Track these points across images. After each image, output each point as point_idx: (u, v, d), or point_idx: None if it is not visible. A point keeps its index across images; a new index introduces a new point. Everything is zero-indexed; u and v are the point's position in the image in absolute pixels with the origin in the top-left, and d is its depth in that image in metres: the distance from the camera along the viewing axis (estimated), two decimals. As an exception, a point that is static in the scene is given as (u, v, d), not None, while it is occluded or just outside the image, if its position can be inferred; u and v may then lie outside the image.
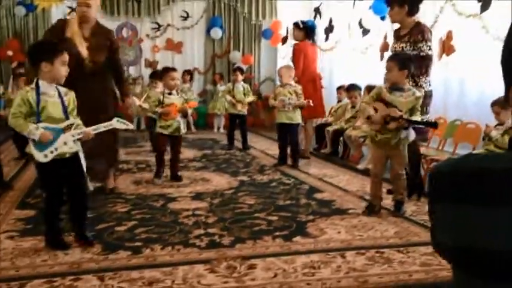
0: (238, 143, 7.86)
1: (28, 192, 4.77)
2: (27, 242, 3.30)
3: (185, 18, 11.16)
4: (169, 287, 2.63)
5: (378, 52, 6.82)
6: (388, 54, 6.26)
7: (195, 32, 11.31)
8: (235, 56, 11.20)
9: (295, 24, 6.84)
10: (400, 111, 3.77)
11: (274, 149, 7.59)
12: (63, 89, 3.17)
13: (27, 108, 3.02)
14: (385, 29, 6.79)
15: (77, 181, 3.22)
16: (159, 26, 11.05)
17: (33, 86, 3.07)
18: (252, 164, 6.42)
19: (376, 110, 3.85)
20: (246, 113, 7.74)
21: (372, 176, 4.09)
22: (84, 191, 3.30)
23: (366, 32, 7.13)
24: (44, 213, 3.22)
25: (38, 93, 3.03)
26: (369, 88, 6.05)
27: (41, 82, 3.07)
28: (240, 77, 7.77)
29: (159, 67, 10.53)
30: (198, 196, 4.64)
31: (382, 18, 6.77)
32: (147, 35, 11.03)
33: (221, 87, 9.87)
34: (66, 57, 3.10)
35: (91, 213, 3.94)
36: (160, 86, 7.43)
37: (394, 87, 3.90)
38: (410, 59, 4.00)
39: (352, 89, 6.76)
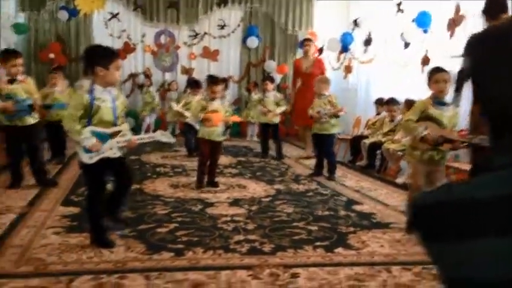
0: (272, 152, 7.85)
1: (71, 190, 4.88)
2: (73, 239, 3.35)
3: (222, 27, 11.27)
4: (214, 290, 2.62)
5: (418, 65, 6.79)
6: (428, 68, 6.25)
7: (231, 41, 11.40)
8: (270, 65, 11.23)
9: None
10: (444, 127, 3.68)
11: (308, 159, 7.58)
12: (115, 93, 3.24)
13: (82, 112, 3.09)
14: (427, 42, 6.73)
15: (127, 178, 3.30)
16: (197, 34, 11.19)
17: (87, 89, 3.14)
18: (287, 173, 6.40)
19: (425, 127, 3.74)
20: (277, 122, 7.69)
21: (413, 191, 3.96)
22: (130, 186, 3.40)
23: (407, 45, 7.05)
24: (88, 211, 3.28)
25: (92, 97, 3.10)
26: (409, 102, 5.98)
27: (95, 86, 3.14)
28: (271, 87, 7.71)
29: (195, 74, 10.69)
30: (235, 202, 4.65)
31: (425, 31, 6.70)
32: (185, 43, 11.17)
33: (255, 96, 9.91)
34: (120, 62, 3.17)
35: (132, 213, 4.02)
36: (200, 94, 7.51)
37: (439, 101, 3.79)
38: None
39: (391, 102, 6.68)
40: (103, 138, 3.13)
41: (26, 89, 4.81)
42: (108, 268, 2.86)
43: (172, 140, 3.52)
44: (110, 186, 3.33)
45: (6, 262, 2.89)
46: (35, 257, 2.99)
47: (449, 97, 3.81)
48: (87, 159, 3.13)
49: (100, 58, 3.12)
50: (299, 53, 11.30)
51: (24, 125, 4.80)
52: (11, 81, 4.73)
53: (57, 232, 3.50)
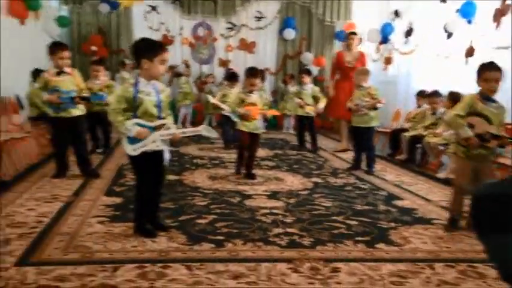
0: (308, 144, 7.82)
1: (113, 181, 5.00)
2: (117, 228, 3.44)
3: (259, 19, 11.25)
4: (254, 282, 2.64)
5: (462, 57, 6.59)
6: (472, 59, 6.06)
7: (268, 33, 11.37)
8: (307, 57, 11.14)
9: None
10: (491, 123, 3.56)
11: (344, 153, 7.51)
12: (160, 86, 3.28)
13: (126, 105, 3.15)
14: (471, 33, 6.52)
15: (159, 173, 3.34)
16: (234, 25, 11.21)
17: (132, 81, 3.19)
18: (325, 167, 6.36)
19: (471, 125, 3.63)
20: (313, 114, 7.65)
21: (456, 189, 3.83)
22: (163, 182, 3.46)
23: (450, 35, 6.84)
24: (135, 201, 3.34)
25: (136, 90, 3.15)
26: (453, 95, 5.82)
27: (140, 79, 3.19)
28: (307, 79, 7.67)
29: (231, 66, 10.71)
30: (273, 195, 4.65)
31: (469, 21, 6.49)
32: (222, 35, 11.21)
33: (292, 88, 9.85)
34: (166, 56, 3.18)
35: (172, 205, 4.08)
36: (237, 87, 7.54)
37: (488, 97, 3.66)
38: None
39: (434, 95, 6.51)
40: (147, 131, 3.18)
41: (72, 81, 4.94)
42: (152, 257, 2.92)
43: (215, 135, 3.52)
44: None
45: (53, 250, 2.99)
46: (81, 245, 3.09)
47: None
48: (131, 151, 3.19)
49: (145, 51, 3.15)
50: (336, 45, 11.19)
51: (70, 116, 4.93)
52: (59, 73, 4.87)
53: (102, 221, 3.59)
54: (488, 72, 3.57)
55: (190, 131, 3.41)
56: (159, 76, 3.23)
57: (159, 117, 3.24)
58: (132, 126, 3.12)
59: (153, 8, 10.86)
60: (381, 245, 3.32)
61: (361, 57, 7.79)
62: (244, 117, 5.22)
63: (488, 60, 3.72)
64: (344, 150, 7.53)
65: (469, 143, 3.59)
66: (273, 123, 10.34)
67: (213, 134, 3.45)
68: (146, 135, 3.15)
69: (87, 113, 5.28)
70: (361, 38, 8.48)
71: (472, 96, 3.68)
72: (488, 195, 0.91)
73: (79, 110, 5.01)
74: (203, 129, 3.39)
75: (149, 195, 3.30)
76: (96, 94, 5.39)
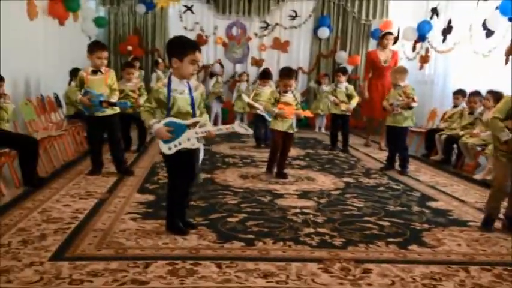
0: (340, 144, 7.75)
1: (146, 178, 5.08)
2: (149, 225, 3.49)
3: (293, 18, 11.20)
4: (284, 281, 2.63)
5: (502, 56, 6.37)
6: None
7: (302, 31, 11.31)
8: (341, 56, 11.03)
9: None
10: None
11: (377, 152, 7.41)
12: (193, 83, 3.29)
13: (157, 104, 3.19)
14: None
15: (191, 171, 3.36)
16: (268, 25, 11.21)
17: (165, 81, 3.22)
18: (357, 167, 6.28)
19: (509, 128, 3.52)
20: (348, 114, 7.59)
21: (495, 190, 3.72)
22: (193, 181, 3.49)
23: (490, 33, 6.63)
24: (167, 198, 3.38)
25: (169, 89, 3.17)
26: (492, 94, 5.65)
27: (172, 78, 3.21)
28: (343, 78, 7.62)
29: (265, 65, 10.71)
30: (304, 194, 4.62)
31: (510, 19, 6.26)
32: (255, 34, 11.23)
33: (326, 88, 9.78)
34: (197, 56, 3.17)
35: (203, 203, 4.12)
36: (269, 86, 7.54)
37: None
38: None
39: (474, 95, 6.33)
40: (181, 128, 3.18)
41: (105, 82, 5.02)
42: (183, 254, 2.95)
43: (250, 131, 3.48)
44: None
45: (87, 245, 3.07)
46: (114, 241, 3.15)
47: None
48: (166, 149, 3.21)
49: (176, 50, 3.15)
50: (371, 43, 11.03)
51: (104, 115, 5.03)
52: (95, 72, 4.98)
53: (134, 218, 3.66)
54: None
55: (225, 127, 3.37)
56: (189, 76, 3.21)
57: (194, 115, 3.24)
58: (154, 123, 3.14)
59: (189, 8, 10.98)
60: (413, 247, 3.26)
61: (394, 55, 7.80)
62: (278, 116, 5.21)
63: None
64: (380, 149, 7.56)
65: (508, 146, 3.48)
66: (304, 123, 10.28)
67: (247, 130, 3.41)
68: (164, 135, 3.15)
69: (121, 114, 5.38)
70: (396, 37, 8.36)
71: (509, 99, 3.57)
72: None
73: (112, 110, 5.10)
74: (237, 126, 3.36)
75: (181, 193, 3.34)
76: (120, 102, 5.52)
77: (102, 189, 4.53)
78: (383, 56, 7.77)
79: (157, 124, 3.14)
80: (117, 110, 5.16)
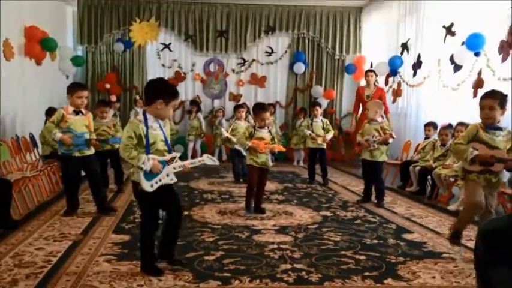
0: (318, 177, 7.82)
1: (122, 218, 5.03)
2: (123, 266, 3.45)
3: (269, 54, 11.45)
4: (259, 321, 2.62)
5: (471, 89, 6.60)
6: (482, 91, 6.06)
7: (278, 67, 11.55)
8: (317, 90, 11.25)
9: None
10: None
11: (355, 185, 7.49)
12: (161, 121, 3.37)
13: (138, 140, 3.23)
14: (479, 65, 6.54)
15: (177, 207, 3.42)
16: (245, 61, 11.42)
17: (141, 118, 3.27)
18: (334, 200, 6.33)
19: (475, 149, 3.65)
20: (325, 147, 7.70)
21: (471, 207, 3.76)
22: (182, 216, 3.52)
23: (457, 68, 6.87)
24: (140, 239, 3.36)
25: (146, 126, 3.24)
26: (464, 126, 5.82)
27: (148, 115, 3.28)
28: (319, 111, 7.79)
29: (243, 100, 10.86)
30: (282, 229, 4.64)
31: (476, 54, 6.52)
32: (233, 70, 11.42)
33: (304, 122, 9.91)
34: (177, 102, 3.35)
35: (180, 241, 4.08)
36: (243, 120, 7.63)
37: (492, 126, 3.69)
38: (507, 96, 3.78)
39: (445, 127, 6.51)
40: (162, 165, 3.26)
41: (85, 122, 5.06)
42: (157, 296, 2.92)
43: (216, 162, 3.65)
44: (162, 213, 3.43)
45: (61, 288, 3.01)
46: (87, 284, 3.09)
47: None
48: (149, 187, 3.22)
49: (165, 93, 3.27)
50: (346, 78, 11.34)
51: (82, 155, 5.02)
52: (76, 112, 5.00)
53: (109, 260, 3.60)
54: (482, 100, 3.69)
55: (197, 161, 3.52)
56: (166, 118, 3.37)
57: (169, 151, 3.35)
58: (147, 160, 3.18)
59: (166, 46, 11.14)
60: (389, 280, 3.28)
61: (378, 91, 8.54)
62: (252, 150, 5.27)
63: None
64: None
65: (477, 161, 3.60)
66: (283, 157, 10.38)
67: (215, 162, 3.58)
68: (160, 167, 3.22)
69: (97, 151, 5.37)
70: (376, 74, 8.98)
71: (475, 125, 3.77)
72: (496, 229, 0.92)
73: (89, 150, 5.10)
74: (206, 158, 3.52)
75: (154, 231, 3.32)
76: (113, 138, 5.55)
77: (77, 231, 4.46)
78: (367, 91, 8.61)
79: (149, 161, 3.17)
80: (93, 150, 5.16)
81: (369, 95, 8.45)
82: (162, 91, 3.28)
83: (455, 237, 3.87)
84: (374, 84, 8.73)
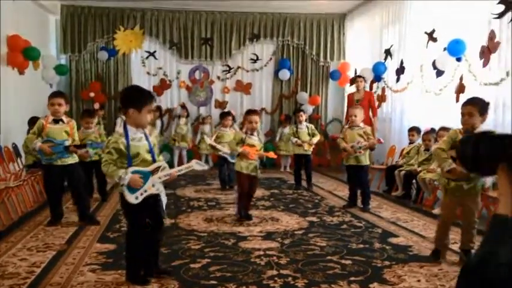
0: (304, 183, 7.85)
1: (108, 227, 4.99)
2: (108, 276, 3.42)
3: (255, 61, 11.47)
4: (246, 328, 2.61)
5: (452, 94, 6.68)
6: (464, 96, 6.15)
7: (263, 74, 11.58)
8: (302, 96, 11.30)
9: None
10: None
11: (341, 190, 7.52)
12: (147, 130, 3.34)
13: (118, 155, 3.18)
14: (460, 70, 6.64)
15: (159, 217, 3.35)
16: (230, 68, 11.43)
17: (121, 131, 3.23)
18: (321, 205, 6.35)
19: (454, 158, 3.68)
20: (310, 153, 7.74)
21: (440, 222, 3.97)
22: (163, 226, 3.45)
23: (439, 73, 6.96)
24: (126, 248, 3.33)
25: (127, 138, 3.19)
26: (446, 130, 5.88)
27: (128, 127, 3.23)
28: (304, 117, 7.84)
29: (228, 107, 10.87)
30: (268, 236, 4.64)
31: (458, 59, 6.61)
32: (218, 77, 11.42)
33: (288, 130, 9.93)
34: (153, 106, 3.27)
35: (166, 250, 4.07)
36: (234, 128, 7.64)
37: (471, 131, 3.73)
38: (489, 103, 3.85)
39: (428, 132, 6.59)
40: (147, 176, 3.21)
41: (67, 130, 4.99)
42: (142, 305, 2.90)
43: (205, 167, 3.61)
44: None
45: (44, 299, 2.97)
46: (72, 294, 3.06)
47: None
48: (134, 199, 3.18)
49: (134, 100, 3.21)
50: (331, 84, 11.42)
51: (64, 164, 4.96)
52: (56, 121, 4.95)
53: (94, 269, 3.57)
54: (463, 106, 3.77)
55: (184, 167, 3.46)
56: (145, 125, 3.29)
57: (154, 161, 3.28)
58: (124, 174, 3.14)
59: (151, 54, 11.10)
60: (374, 285, 3.30)
61: (367, 96, 8.80)
62: (242, 156, 5.25)
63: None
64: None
65: (452, 174, 3.67)
66: (270, 163, 10.38)
67: (203, 166, 3.54)
68: (139, 182, 3.16)
69: (83, 161, 5.32)
70: (365, 79, 9.16)
71: (454, 131, 3.82)
72: (477, 267, 0.93)
73: (72, 159, 5.04)
74: (194, 164, 3.46)
75: (141, 242, 3.29)
76: (95, 142, 5.48)
77: (61, 241, 4.41)
78: (357, 96, 8.82)
79: (127, 176, 3.13)
80: (76, 158, 5.11)
81: (358, 99, 8.66)
82: (130, 99, 3.24)
83: (433, 256, 3.92)
84: (363, 89, 8.91)
